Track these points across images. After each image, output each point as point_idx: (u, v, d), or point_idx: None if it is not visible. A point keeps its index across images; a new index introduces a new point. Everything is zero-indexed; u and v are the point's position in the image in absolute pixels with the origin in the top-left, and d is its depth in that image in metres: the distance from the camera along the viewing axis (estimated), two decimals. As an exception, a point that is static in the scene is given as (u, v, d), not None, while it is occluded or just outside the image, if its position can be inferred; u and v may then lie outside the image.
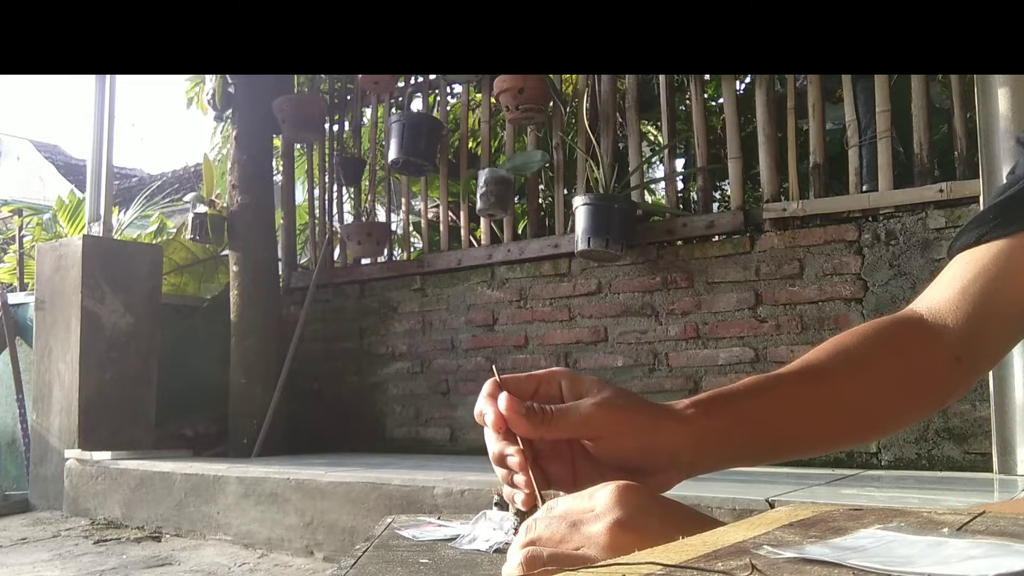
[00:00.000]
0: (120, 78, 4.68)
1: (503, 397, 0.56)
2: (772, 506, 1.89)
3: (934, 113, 3.28)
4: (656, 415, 0.58)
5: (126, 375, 4.06)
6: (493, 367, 0.59)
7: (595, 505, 0.51)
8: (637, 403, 0.58)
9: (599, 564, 0.35)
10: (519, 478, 0.57)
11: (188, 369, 4.53)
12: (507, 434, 0.57)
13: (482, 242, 4.19)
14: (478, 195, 3.79)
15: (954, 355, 0.69)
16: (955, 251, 0.74)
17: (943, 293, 0.71)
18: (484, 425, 0.58)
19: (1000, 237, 0.70)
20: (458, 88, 4.95)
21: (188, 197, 4.63)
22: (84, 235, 4.25)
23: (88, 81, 4.77)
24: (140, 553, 2.91)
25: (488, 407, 0.57)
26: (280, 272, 4.66)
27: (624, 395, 0.58)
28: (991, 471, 2.63)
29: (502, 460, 0.58)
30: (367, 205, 4.68)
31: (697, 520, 0.52)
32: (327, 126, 4.79)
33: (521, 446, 0.56)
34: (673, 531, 0.46)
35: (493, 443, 0.58)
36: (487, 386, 0.58)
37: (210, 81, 4.64)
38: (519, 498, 0.56)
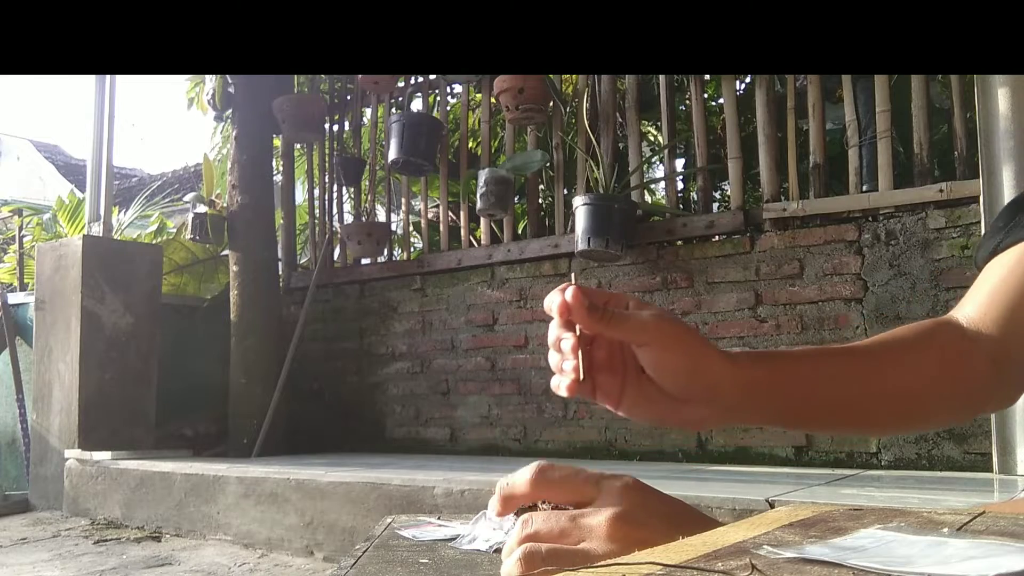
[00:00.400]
0: (120, 78, 4.68)
1: (571, 288, 0.58)
2: (772, 506, 1.89)
3: (934, 113, 3.28)
4: (708, 343, 0.60)
5: (126, 375, 4.06)
6: (572, 275, 0.61)
7: (599, 495, 0.51)
8: (693, 329, 0.61)
9: (599, 564, 0.35)
10: (568, 363, 0.58)
11: (188, 369, 4.53)
12: (567, 324, 0.59)
13: (482, 242, 4.19)
14: (478, 195, 3.79)
15: (991, 358, 0.70)
16: (980, 263, 0.75)
17: (974, 301, 0.73)
18: (550, 315, 0.60)
19: (1014, 244, 0.70)
20: (458, 88, 4.95)
21: (188, 197, 4.63)
22: (84, 235, 4.25)
23: (88, 81, 4.77)
24: (140, 553, 2.91)
25: (556, 296, 0.59)
26: (280, 272, 4.66)
27: (683, 322, 0.61)
28: (991, 471, 2.63)
29: (558, 345, 0.60)
30: (367, 205, 4.69)
31: (699, 520, 0.52)
32: (327, 126, 4.79)
33: (577, 335, 0.59)
34: (673, 527, 0.47)
35: (553, 329, 0.61)
36: (561, 286, 0.61)
37: (210, 81, 4.64)
38: (565, 382, 0.58)
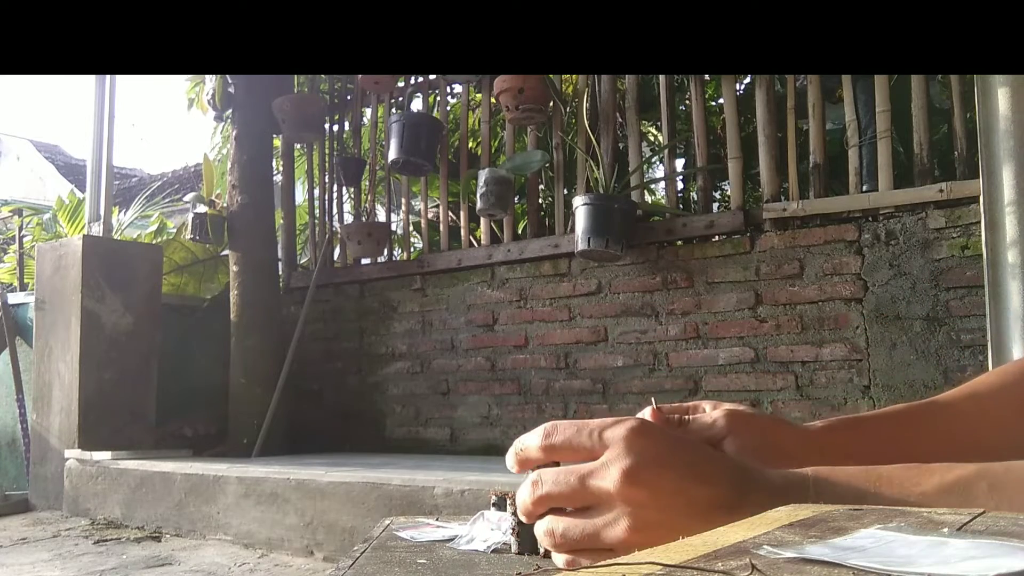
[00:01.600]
0: (120, 78, 4.69)
1: (647, 409, 0.65)
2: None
3: (934, 113, 3.28)
4: (778, 420, 0.66)
5: (126, 375, 4.06)
6: (653, 400, 0.67)
7: (604, 449, 0.49)
8: (761, 412, 0.66)
9: (599, 564, 0.35)
10: None
11: (188, 369, 4.53)
12: None
13: (482, 242, 4.19)
14: (478, 195, 3.79)
15: None
16: None
17: None
18: None
19: None
20: (458, 88, 4.95)
21: (188, 197, 4.63)
22: (84, 235, 4.25)
23: (88, 81, 4.77)
24: (140, 553, 2.91)
25: (638, 416, 0.65)
26: (280, 272, 4.66)
27: (752, 410, 0.66)
28: (991, 471, 2.62)
29: None
30: (367, 205, 4.69)
31: (717, 460, 0.51)
32: (327, 126, 4.79)
33: None
34: (691, 475, 0.48)
35: None
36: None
37: (210, 81, 4.64)
38: None
